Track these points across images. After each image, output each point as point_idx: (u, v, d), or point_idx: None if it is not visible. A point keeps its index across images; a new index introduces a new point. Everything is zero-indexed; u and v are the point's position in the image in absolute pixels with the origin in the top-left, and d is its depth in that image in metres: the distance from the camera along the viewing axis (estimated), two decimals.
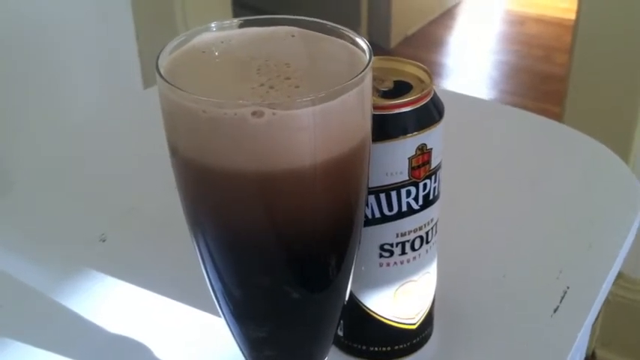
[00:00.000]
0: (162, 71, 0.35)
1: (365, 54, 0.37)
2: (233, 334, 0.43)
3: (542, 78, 2.60)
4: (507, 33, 3.01)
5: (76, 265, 0.61)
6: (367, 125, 0.37)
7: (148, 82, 1.09)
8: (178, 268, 0.57)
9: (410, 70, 0.46)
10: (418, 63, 0.47)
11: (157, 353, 0.53)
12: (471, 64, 2.74)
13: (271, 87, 0.35)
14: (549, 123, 0.80)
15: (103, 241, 0.63)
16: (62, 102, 1.07)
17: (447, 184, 0.48)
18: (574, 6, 1.48)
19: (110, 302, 0.58)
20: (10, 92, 1.00)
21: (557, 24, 2.93)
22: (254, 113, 0.32)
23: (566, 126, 0.79)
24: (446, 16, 3.08)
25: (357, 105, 0.35)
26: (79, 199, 0.69)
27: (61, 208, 0.68)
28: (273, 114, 0.32)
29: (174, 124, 0.36)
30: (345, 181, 0.38)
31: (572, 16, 1.50)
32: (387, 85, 0.45)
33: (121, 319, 0.56)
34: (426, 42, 2.89)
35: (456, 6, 3.16)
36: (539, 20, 3.01)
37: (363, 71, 0.35)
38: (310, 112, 0.33)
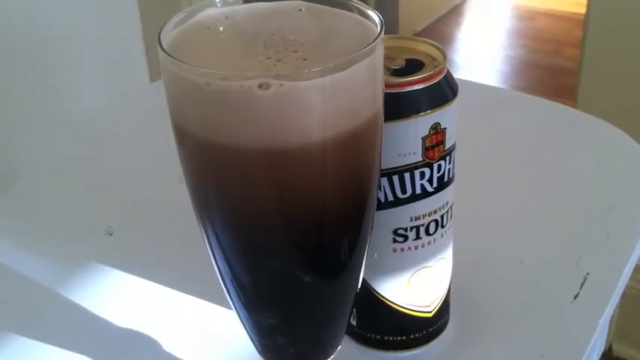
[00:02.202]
0: (164, 46, 0.34)
1: (376, 26, 0.35)
2: (243, 323, 0.42)
3: (553, 72, 2.58)
4: (516, 28, 2.98)
5: (82, 258, 0.60)
6: (379, 100, 0.36)
7: (154, 76, 1.08)
8: (186, 261, 0.56)
9: (422, 48, 0.45)
10: (430, 40, 0.45)
11: (166, 347, 0.52)
12: (480, 59, 2.72)
13: (278, 60, 0.34)
14: (565, 109, 0.78)
15: (110, 234, 0.62)
16: (69, 95, 1.06)
17: (461, 169, 0.47)
18: (583, 0, 1.47)
19: (118, 296, 0.56)
20: (18, 87, 0.99)
21: (567, 18, 2.90)
22: (260, 85, 0.31)
23: (582, 112, 0.77)
24: (454, 13, 3.06)
25: (369, 77, 0.34)
26: (85, 192, 0.68)
27: (68, 202, 0.67)
28: (281, 85, 0.31)
29: (177, 100, 0.34)
30: (357, 159, 0.36)
31: (582, 9, 1.48)
32: (399, 63, 0.44)
33: (129, 312, 0.55)
34: (435, 38, 2.82)
35: (463, 2, 3.15)
36: (549, 14, 2.98)
37: (374, 41, 0.33)
38: (319, 84, 0.32)
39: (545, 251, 0.58)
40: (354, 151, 0.36)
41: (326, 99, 0.32)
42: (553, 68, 2.63)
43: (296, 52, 0.34)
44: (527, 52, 2.78)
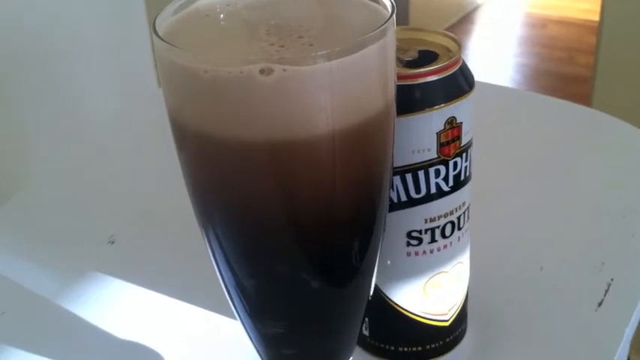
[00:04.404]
0: (160, 33, 0.32)
1: (387, 10, 0.33)
2: (248, 333, 0.39)
3: (566, 80, 2.55)
4: (528, 36, 2.96)
5: (83, 267, 0.58)
6: (391, 90, 0.33)
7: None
8: (189, 269, 0.54)
9: (436, 39, 0.42)
10: (445, 31, 0.43)
11: (168, 359, 0.49)
12: (492, 67, 2.70)
13: (282, 46, 0.31)
14: (585, 110, 0.75)
15: (112, 242, 0.60)
16: (74, 103, 1.05)
17: (477, 171, 0.44)
18: (595, 7, 1.45)
19: (119, 306, 0.54)
20: (23, 94, 0.98)
21: (579, 25, 2.88)
22: (262, 71, 0.28)
23: (603, 113, 0.74)
24: (465, 21, 3.03)
25: (379, 63, 0.31)
26: (87, 200, 0.66)
27: (69, 210, 0.65)
28: (284, 71, 0.28)
29: (174, 91, 0.32)
30: (368, 155, 0.34)
31: (594, 17, 1.46)
32: (411, 54, 0.41)
33: (130, 323, 0.52)
34: None
35: (474, 10, 3.12)
36: (561, 22, 2.96)
37: (384, 23, 0.31)
38: (326, 69, 0.29)
39: (566, 256, 0.55)
40: (365, 146, 0.33)
41: (334, 86, 0.30)
42: (566, 76, 2.60)
43: (301, 37, 0.32)
44: (540, 60, 2.75)
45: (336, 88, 0.30)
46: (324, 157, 0.31)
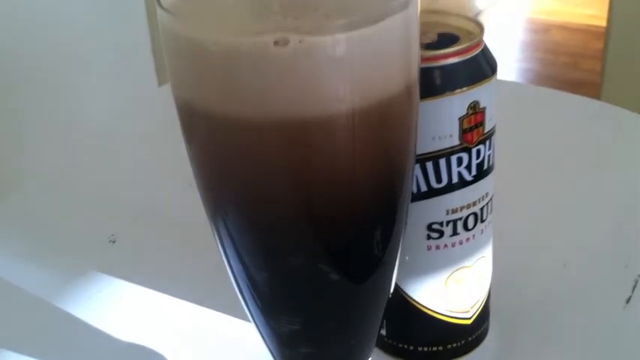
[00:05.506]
0: (165, 5, 0.29)
1: None
2: (261, 331, 0.36)
3: (570, 85, 2.53)
4: (531, 41, 2.94)
5: (84, 267, 0.56)
6: (414, 69, 0.31)
7: (162, 80, 1.04)
8: (191, 269, 0.53)
9: (456, 22, 0.40)
10: (466, 14, 0.40)
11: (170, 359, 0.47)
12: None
13: (296, 18, 0.29)
14: (609, 107, 0.73)
15: (113, 242, 0.58)
16: (75, 102, 1.03)
17: (497, 164, 0.41)
18: (599, 12, 1.43)
19: (120, 307, 0.52)
20: (21, 93, 0.96)
21: (583, 31, 2.85)
22: (277, 42, 0.26)
23: (627, 110, 0.72)
24: None
25: (402, 37, 0.29)
26: (88, 199, 0.65)
27: (70, 209, 0.64)
28: (300, 42, 0.26)
29: (180, 68, 0.30)
30: (389, 138, 0.31)
31: (598, 22, 1.45)
32: (431, 37, 0.39)
33: (132, 322, 0.50)
34: None
35: (477, 16, 3.11)
36: (564, 27, 2.94)
37: None
38: (344, 40, 0.27)
39: (590, 253, 0.53)
40: (387, 128, 0.31)
41: (353, 59, 0.27)
42: (570, 81, 2.58)
43: (317, 9, 0.29)
44: (543, 66, 2.72)
45: (356, 61, 0.27)
46: (343, 138, 0.29)
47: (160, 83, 1.04)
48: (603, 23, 2.02)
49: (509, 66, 2.72)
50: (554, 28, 2.96)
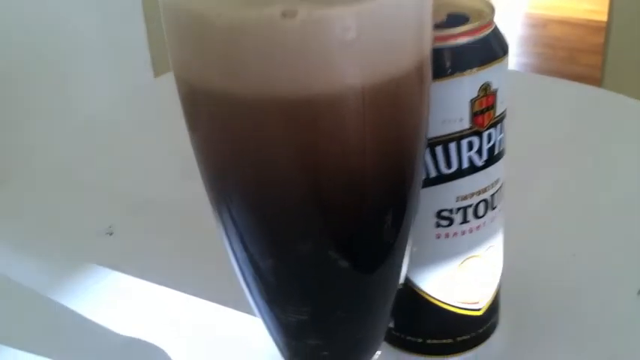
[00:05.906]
0: None
1: None
2: (267, 323, 0.35)
3: (569, 79, 2.52)
4: (529, 36, 2.93)
5: (81, 259, 0.55)
6: (427, 44, 0.30)
7: (158, 72, 1.03)
8: (189, 260, 0.52)
9: (466, 2, 0.39)
10: None
11: (173, 355, 0.45)
12: None
13: None
14: (621, 98, 0.72)
15: (110, 234, 0.56)
16: (72, 93, 1.02)
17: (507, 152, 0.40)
18: (599, 7, 1.42)
19: (118, 299, 0.51)
20: (19, 84, 0.95)
21: (581, 25, 2.85)
22: (285, 14, 0.25)
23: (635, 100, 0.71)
24: None
25: (415, 10, 0.28)
26: (85, 190, 0.64)
27: (67, 201, 0.63)
28: (309, 14, 0.25)
29: (181, 44, 0.28)
30: (401, 118, 0.30)
31: (596, 16, 1.44)
32: (440, 17, 0.37)
33: (130, 315, 0.49)
34: None
35: None
36: (562, 22, 2.93)
37: None
38: (355, 13, 0.25)
39: (600, 242, 0.52)
40: (399, 108, 0.29)
41: (364, 33, 0.26)
42: (568, 76, 2.56)
43: None
44: (542, 60, 2.72)
45: (368, 34, 0.26)
46: (353, 119, 0.28)
47: (156, 74, 1.03)
48: (602, 18, 2.01)
49: (508, 61, 2.71)
50: (552, 23, 2.95)
